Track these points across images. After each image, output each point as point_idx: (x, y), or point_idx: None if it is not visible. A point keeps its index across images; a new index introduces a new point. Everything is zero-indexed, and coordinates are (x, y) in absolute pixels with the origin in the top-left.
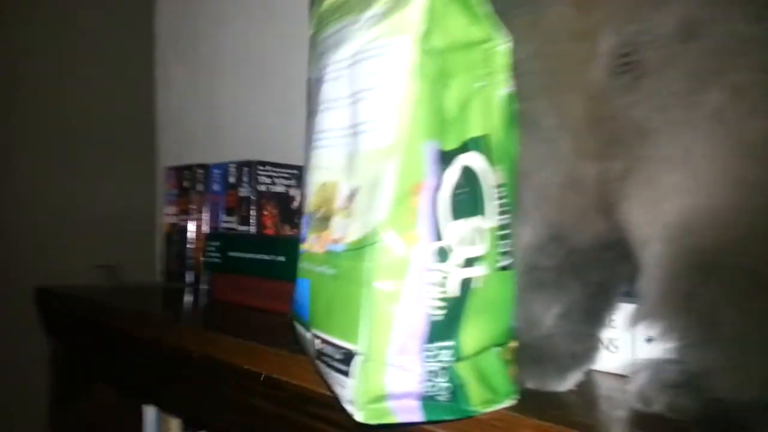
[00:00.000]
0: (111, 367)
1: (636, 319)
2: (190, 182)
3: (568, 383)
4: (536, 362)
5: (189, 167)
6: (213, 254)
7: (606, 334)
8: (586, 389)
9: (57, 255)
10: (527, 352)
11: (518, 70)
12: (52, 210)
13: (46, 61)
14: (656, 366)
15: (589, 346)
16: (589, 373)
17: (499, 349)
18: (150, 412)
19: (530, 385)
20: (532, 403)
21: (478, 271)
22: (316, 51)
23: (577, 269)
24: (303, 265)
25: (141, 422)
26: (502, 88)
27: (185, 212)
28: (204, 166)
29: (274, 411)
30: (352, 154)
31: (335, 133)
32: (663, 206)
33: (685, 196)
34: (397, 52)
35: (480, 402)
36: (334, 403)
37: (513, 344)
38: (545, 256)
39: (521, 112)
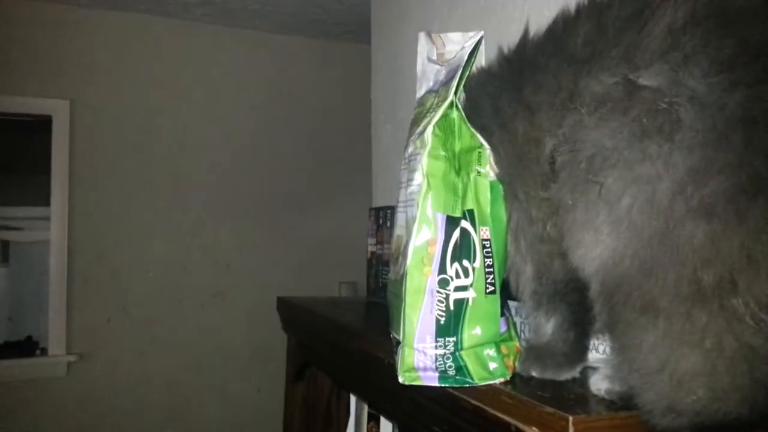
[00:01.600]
0: (323, 359)
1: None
2: (383, 220)
3: (564, 375)
4: (539, 359)
5: (383, 208)
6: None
7: (592, 340)
8: (577, 379)
9: (311, 272)
10: (533, 351)
11: (504, 161)
12: (303, 237)
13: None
14: (602, 365)
15: (577, 349)
16: (584, 369)
17: (494, 345)
18: (353, 398)
19: (535, 374)
20: (523, 383)
21: (467, 294)
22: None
23: (560, 294)
24: (388, 288)
25: (348, 403)
26: (488, 177)
27: (380, 243)
28: (391, 208)
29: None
30: (408, 218)
31: (402, 204)
32: (587, 255)
33: (595, 248)
34: (421, 158)
35: (478, 377)
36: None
37: (517, 345)
38: (539, 284)
39: (510, 190)
